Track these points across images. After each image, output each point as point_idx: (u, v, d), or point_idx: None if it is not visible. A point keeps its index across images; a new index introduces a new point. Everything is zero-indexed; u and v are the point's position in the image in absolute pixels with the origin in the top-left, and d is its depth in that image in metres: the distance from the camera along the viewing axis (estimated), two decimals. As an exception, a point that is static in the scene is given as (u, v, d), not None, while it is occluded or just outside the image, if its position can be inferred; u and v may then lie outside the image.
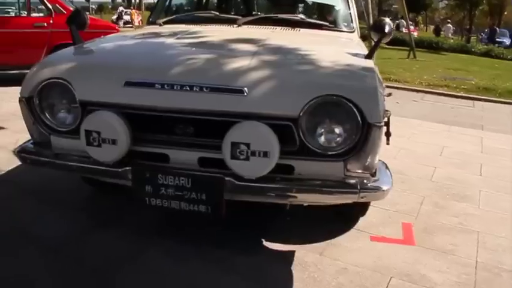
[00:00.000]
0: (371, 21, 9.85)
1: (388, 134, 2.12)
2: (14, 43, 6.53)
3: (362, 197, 1.92)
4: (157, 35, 2.78)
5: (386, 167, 2.14)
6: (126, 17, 29.58)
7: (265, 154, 1.78)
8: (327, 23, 3.10)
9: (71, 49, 2.38)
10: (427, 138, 5.01)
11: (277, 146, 1.79)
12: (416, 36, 20.51)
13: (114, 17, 30.65)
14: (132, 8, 37.40)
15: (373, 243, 2.57)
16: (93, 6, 50.09)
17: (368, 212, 2.71)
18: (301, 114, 1.84)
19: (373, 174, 1.99)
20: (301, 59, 2.21)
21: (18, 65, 6.61)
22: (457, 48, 21.81)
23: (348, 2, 3.27)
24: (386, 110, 1.96)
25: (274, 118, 1.85)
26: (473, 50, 21.48)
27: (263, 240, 2.50)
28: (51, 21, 6.75)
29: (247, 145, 1.78)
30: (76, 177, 2.91)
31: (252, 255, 2.36)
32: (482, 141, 5.06)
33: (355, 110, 1.82)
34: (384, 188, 1.97)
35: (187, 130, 1.96)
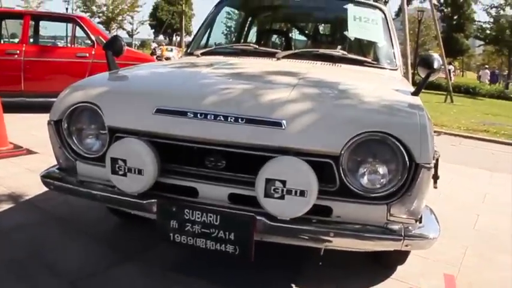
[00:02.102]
0: (409, 67, 9.75)
1: (435, 177, 1.94)
2: (56, 72, 6.71)
3: (406, 245, 1.73)
4: (193, 64, 2.70)
5: (433, 213, 1.96)
6: (159, 52, 32.14)
7: (302, 193, 1.64)
8: (369, 60, 2.99)
9: (103, 74, 2.33)
10: (467, 184, 4.75)
11: (316, 185, 1.64)
12: (452, 81, 20.29)
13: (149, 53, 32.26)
14: (162, 44, 39.79)
15: (413, 295, 2.35)
16: (136, 42, 51.96)
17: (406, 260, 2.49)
18: (342, 152, 1.69)
19: (419, 221, 1.81)
20: (344, 94, 2.08)
21: (59, 93, 6.75)
22: (495, 94, 21.46)
23: (391, 39, 3.15)
24: (436, 151, 1.79)
25: (314, 155, 1.71)
26: (511, 96, 21.05)
27: (293, 285, 2.31)
28: (93, 52, 6.91)
29: (283, 182, 1.64)
30: (104, 207, 2.81)
31: (281, 302, 2.18)
32: (529, 190, 4.75)
33: (402, 148, 1.67)
34: (431, 236, 1.79)
35: (219, 164, 1.84)
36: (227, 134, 1.75)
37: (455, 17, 41.28)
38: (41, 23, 7.88)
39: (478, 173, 5.38)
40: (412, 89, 2.24)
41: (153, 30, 62.22)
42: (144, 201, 1.86)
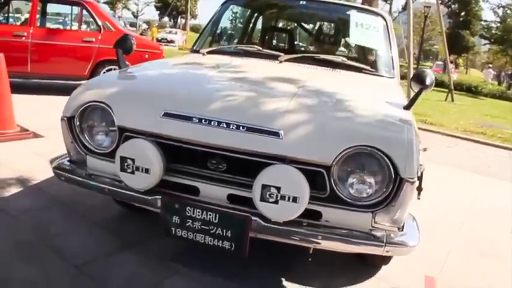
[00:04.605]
0: (412, 60, 9.86)
1: (419, 189, 2.09)
2: (63, 55, 6.87)
3: (387, 251, 1.90)
4: (200, 65, 2.84)
5: (415, 221, 2.11)
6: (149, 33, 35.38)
7: (295, 200, 1.79)
8: (368, 67, 3.12)
9: (115, 73, 2.46)
10: (458, 188, 4.90)
11: (308, 193, 1.79)
12: (455, 79, 20.30)
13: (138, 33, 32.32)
14: (155, 26, 42.17)
15: (394, 294, 2.51)
16: (141, 23, 51.53)
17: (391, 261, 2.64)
18: (334, 163, 1.84)
19: (401, 228, 1.97)
20: (339, 105, 2.22)
21: (65, 76, 6.95)
22: (497, 94, 21.54)
23: (390, 47, 3.27)
24: (421, 164, 1.94)
25: (308, 164, 1.86)
26: (512, 97, 21.19)
27: (283, 279, 2.47)
28: (99, 37, 7.02)
29: (278, 189, 1.79)
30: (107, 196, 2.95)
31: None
32: (517, 195, 4.89)
33: (388, 162, 1.82)
34: (410, 244, 1.95)
35: (220, 166, 2.00)
36: (229, 140, 1.90)
37: (462, 14, 41.18)
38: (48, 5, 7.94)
39: (469, 176, 5.53)
40: (405, 100, 2.37)
41: (158, 12, 61.93)
42: (150, 197, 2.02)
